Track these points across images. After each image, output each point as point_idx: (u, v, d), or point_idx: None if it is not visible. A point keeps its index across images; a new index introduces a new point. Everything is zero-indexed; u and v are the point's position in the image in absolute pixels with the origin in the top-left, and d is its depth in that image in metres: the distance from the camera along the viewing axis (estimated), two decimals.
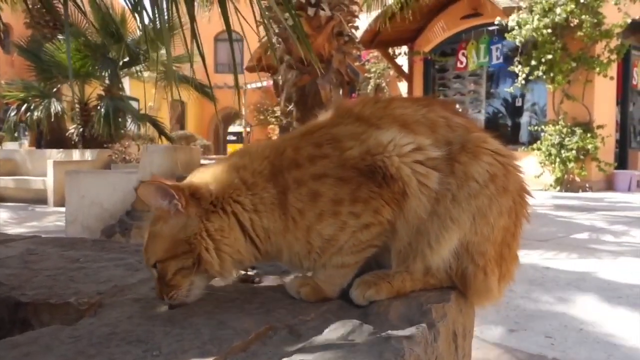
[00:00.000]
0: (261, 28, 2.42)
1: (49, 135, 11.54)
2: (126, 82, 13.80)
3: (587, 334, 2.72)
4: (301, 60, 6.47)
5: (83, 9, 2.05)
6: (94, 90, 11.26)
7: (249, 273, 1.40)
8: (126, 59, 11.21)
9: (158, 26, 1.58)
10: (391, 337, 0.91)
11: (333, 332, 0.97)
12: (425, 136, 1.20)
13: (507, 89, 11.81)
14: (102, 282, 1.33)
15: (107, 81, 11.11)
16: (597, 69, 10.12)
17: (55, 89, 11.41)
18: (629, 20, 10.10)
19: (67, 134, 11.49)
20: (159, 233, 1.16)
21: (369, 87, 14.72)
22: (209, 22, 8.01)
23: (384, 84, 14.80)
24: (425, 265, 1.19)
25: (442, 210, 1.15)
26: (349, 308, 1.16)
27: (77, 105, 11.28)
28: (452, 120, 1.25)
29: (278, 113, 10.06)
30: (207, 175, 1.23)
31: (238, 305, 1.16)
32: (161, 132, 12.18)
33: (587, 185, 10.61)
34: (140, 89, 15.52)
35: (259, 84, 16.68)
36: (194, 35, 1.63)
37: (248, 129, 17.56)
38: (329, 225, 1.16)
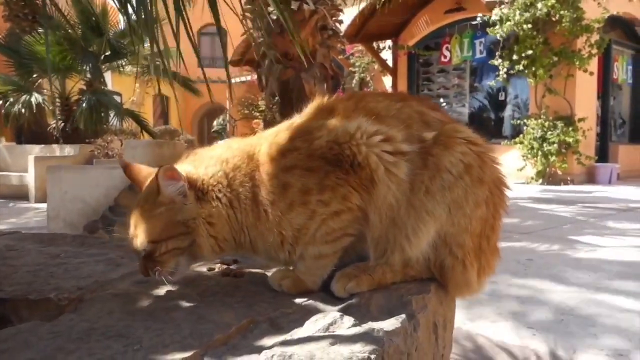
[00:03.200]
0: (246, 22, 2.41)
1: (30, 130, 11.36)
2: (108, 76, 13.64)
3: (568, 324, 2.76)
4: (285, 54, 6.47)
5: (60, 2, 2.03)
6: (75, 84, 11.10)
7: (231, 267, 1.40)
8: (108, 53, 11.06)
9: (142, 17, 1.57)
10: (371, 329, 0.92)
11: (314, 324, 0.97)
12: (397, 129, 1.21)
13: (489, 83, 11.91)
14: (83, 277, 1.33)
15: (88, 75, 10.96)
16: (577, 63, 10.24)
17: (36, 84, 11.23)
18: (606, 15, 10.22)
19: (48, 129, 11.32)
20: (157, 215, 1.19)
21: (354, 81, 14.72)
22: (193, 16, 7.94)
23: (368, 78, 14.81)
24: (404, 258, 1.20)
25: (417, 203, 1.17)
26: (330, 300, 1.16)
27: (57, 100, 11.11)
28: (428, 115, 1.26)
29: (262, 107, 10.03)
30: (197, 163, 1.27)
31: (219, 299, 1.16)
32: (143, 127, 12.07)
33: (568, 178, 10.74)
34: (122, 83, 15.37)
35: (243, 79, 16.62)
36: (185, 27, 1.64)
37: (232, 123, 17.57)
38: (299, 214, 1.18)
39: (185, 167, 1.26)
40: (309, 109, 1.31)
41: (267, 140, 1.25)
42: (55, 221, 5.73)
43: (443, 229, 1.17)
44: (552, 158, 10.47)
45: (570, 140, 10.38)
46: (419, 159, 1.18)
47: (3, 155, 9.80)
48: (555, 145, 10.40)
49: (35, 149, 9.47)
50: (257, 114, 14.60)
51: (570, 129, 10.49)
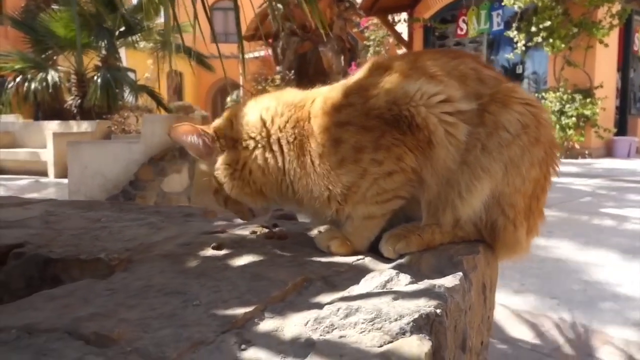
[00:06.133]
0: None
1: (46, 107, 11.42)
2: (122, 53, 13.62)
3: (592, 294, 2.75)
4: (302, 26, 6.40)
5: None
6: (91, 60, 11.10)
7: (274, 230, 1.40)
8: (122, 29, 11.03)
9: None
10: (432, 285, 0.91)
11: (370, 281, 0.97)
12: (455, 88, 1.18)
13: (507, 56, 11.73)
14: (127, 240, 1.33)
15: (103, 51, 10.95)
16: (596, 34, 10.03)
17: (51, 61, 11.25)
18: None
19: (65, 106, 11.37)
20: (200, 169, 1.32)
21: (368, 54, 14.57)
22: None
23: (383, 52, 14.64)
24: (455, 217, 1.18)
25: (472, 160, 1.14)
26: (379, 261, 1.15)
27: (74, 77, 11.13)
28: (483, 72, 1.23)
29: (277, 82, 9.98)
30: (234, 112, 1.31)
31: (270, 259, 1.16)
32: (159, 103, 12.09)
33: (586, 152, 10.62)
34: (136, 59, 15.34)
35: (256, 54, 16.50)
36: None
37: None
38: (350, 171, 1.16)
39: (216, 121, 1.32)
40: (364, 68, 1.29)
41: (321, 95, 1.24)
42: (77, 196, 5.79)
43: (498, 189, 1.15)
44: (570, 132, 10.35)
45: (589, 113, 10.23)
46: (476, 117, 1.16)
47: (21, 132, 9.87)
48: (574, 118, 10.26)
49: (53, 126, 9.53)
50: (271, 89, 14.53)
51: (589, 101, 10.33)
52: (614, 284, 2.89)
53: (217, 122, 1.32)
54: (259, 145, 1.22)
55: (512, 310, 2.55)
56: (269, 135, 1.22)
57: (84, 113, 10.81)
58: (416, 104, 1.14)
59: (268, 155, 1.22)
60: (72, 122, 9.79)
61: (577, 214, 4.84)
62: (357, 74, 1.28)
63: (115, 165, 5.71)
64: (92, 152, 5.95)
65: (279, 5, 6.45)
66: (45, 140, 8.69)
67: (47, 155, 8.61)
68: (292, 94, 1.30)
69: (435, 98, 1.15)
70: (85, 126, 9.43)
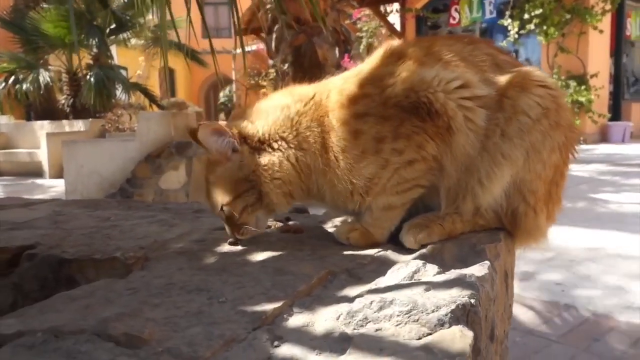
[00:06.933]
0: None
1: (39, 107, 11.32)
2: (113, 50, 13.50)
3: (595, 280, 2.75)
4: (296, 19, 6.34)
5: None
6: (82, 59, 11.01)
7: (289, 224, 1.37)
8: (113, 26, 10.92)
9: None
10: (462, 274, 0.90)
11: (397, 272, 0.95)
12: (471, 73, 1.15)
13: (500, 44, 11.71)
14: (140, 238, 1.30)
15: (94, 50, 10.85)
16: (589, 20, 10.01)
17: (42, 60, 11.14)
18: None
19: (57, 105, 11.27)
20: (220, 177, 1.20)
21: (361, 46, 14.49)
22: None
23: (376, 44, 14.56)
24: (476, 205, 1.16)
25: (491, 147, 1.12)
26: (401, 252, 1.13)
27: (65, 75, 11.02)
28: (498, 57, 1.21)
29: (272, 76, 9.91)
30: (254, 117, 1.25)
31: (289, 253, 1.13)
32: (152, 100, 12.01)
33: (581, 138, 10.63)
34: (127, 56, 15.23)
35: (248, 48, 16.41)
36: None
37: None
38: (371, 163, 1.14)
39: (236, 123, 1.24)
40: (376, 55, 1.26)
41: (335, 88, 1.21)
42: (73, 195, 5.74)
43: (519, 175, 1.13)
44: None
45: (583, 99, 10.24)
46: (494, 102, 1.13)
47: (14, 133, 9.78)
48: (568, 105, 10.26)
49: (46, 126, 9.44)
50: (265, 83, 14.41)
51: (583, 88, 10.33)
52: (619, 269, 2.89)
53: (238, 123, 1.24)
54: (291, 145, 1.18)
55: (519, 297, 2.54)
56: (298, 134, 1.19)
57: (77, 112, 10.72)
58: (434, 90, 1.12)
59: (299, 153, 1.18)
60: (65, 122, 9.70)
61: (577, 201, 4.84)
62: (370, 63, 1.25)
63: (112, 164, 5.66)
64: (88, 151, 5.90)
65: None
66: (39, 140, 8.61)
67: (42, 155, 8.54)
68: (304, 90, 1.27)
69: (453, 84, 1.13)
70: (78, 125, 9.35)
